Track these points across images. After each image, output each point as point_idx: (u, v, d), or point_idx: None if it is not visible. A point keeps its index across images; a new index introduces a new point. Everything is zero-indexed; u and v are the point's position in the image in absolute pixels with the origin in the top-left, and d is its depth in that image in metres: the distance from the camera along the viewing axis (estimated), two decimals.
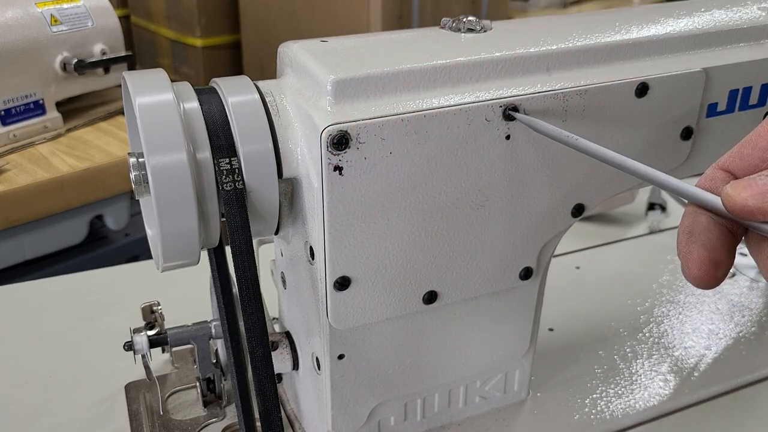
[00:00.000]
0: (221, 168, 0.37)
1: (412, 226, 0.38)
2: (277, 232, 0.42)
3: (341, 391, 0.44)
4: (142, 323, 0.50)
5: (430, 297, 0.41)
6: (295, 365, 0.47)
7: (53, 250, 1.07)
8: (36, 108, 1.12)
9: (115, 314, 0.65)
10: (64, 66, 1.13)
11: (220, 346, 0.50)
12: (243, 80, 0.39)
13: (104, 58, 1.17)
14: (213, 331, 0.49)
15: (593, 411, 0.52)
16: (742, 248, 0.83)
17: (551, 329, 0.61)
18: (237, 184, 0.37)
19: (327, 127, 0.34)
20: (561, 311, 0.63)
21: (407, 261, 0.39)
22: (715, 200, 0.28)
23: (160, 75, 0.37)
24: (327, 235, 0.37)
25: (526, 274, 0.44)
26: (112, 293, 0.69)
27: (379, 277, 0.39)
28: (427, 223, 0.39)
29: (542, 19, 0.47)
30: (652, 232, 0.79)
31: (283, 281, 0.47)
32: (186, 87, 0.38)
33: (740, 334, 0.61)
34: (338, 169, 0.35)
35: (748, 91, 0.45)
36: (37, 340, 0.62)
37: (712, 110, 0.44)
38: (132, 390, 0.55)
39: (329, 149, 0.34)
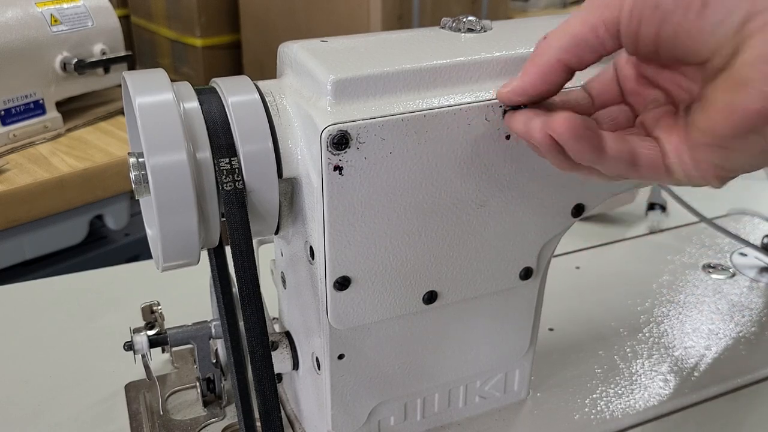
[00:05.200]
0: (221, 168, 0.37)
1: (412, 226, 0.38)
2: (277, 232, 0.42)
3: (341, 391, 0.44)
4: (142, 323, 0.50)
5: (430, 297, 0.41)
6: (295, 365, 0.47)
7: (53, 250, 1.07)
8: (36, 108, 1.12)
9: (115, 314, 0.65)
10: (64, 66, 1.13)
11: (220, 346, 0.50)
12: (243, 80, 0.39)
13: (104, 58, 1.17)
14: (213, 331, 0.49)
15: (593, 411, 0.52)
16: (742, 249, 0.82)
17: (551, 329, 0.61)
18: (237, 184, 0.37)
19: (327, 127, 0.34)
20: (561, 311, 0.63)
21: (407, 261, 0.39)
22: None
23: (160, 75, 0.37)
24: (327, 235, 0.37)
25: (526, 274, 0.44)
26: (112, 293, 0.69)
27: (379, 277, 0.39)
28: (427, 223, 0.39)
29: (542, 19, 0.46)
30: (652, 232, 0.79)
31: (283, 281, 0.47)
32: (186, 87, 0.38)
33: (740, 334, 0.61)
34: (338, 168, 0.35)
35: None
36: (37, 340, 0.62)
37: None
38: (132, 390, 0.55)
39: (329, 149, 0.34)
